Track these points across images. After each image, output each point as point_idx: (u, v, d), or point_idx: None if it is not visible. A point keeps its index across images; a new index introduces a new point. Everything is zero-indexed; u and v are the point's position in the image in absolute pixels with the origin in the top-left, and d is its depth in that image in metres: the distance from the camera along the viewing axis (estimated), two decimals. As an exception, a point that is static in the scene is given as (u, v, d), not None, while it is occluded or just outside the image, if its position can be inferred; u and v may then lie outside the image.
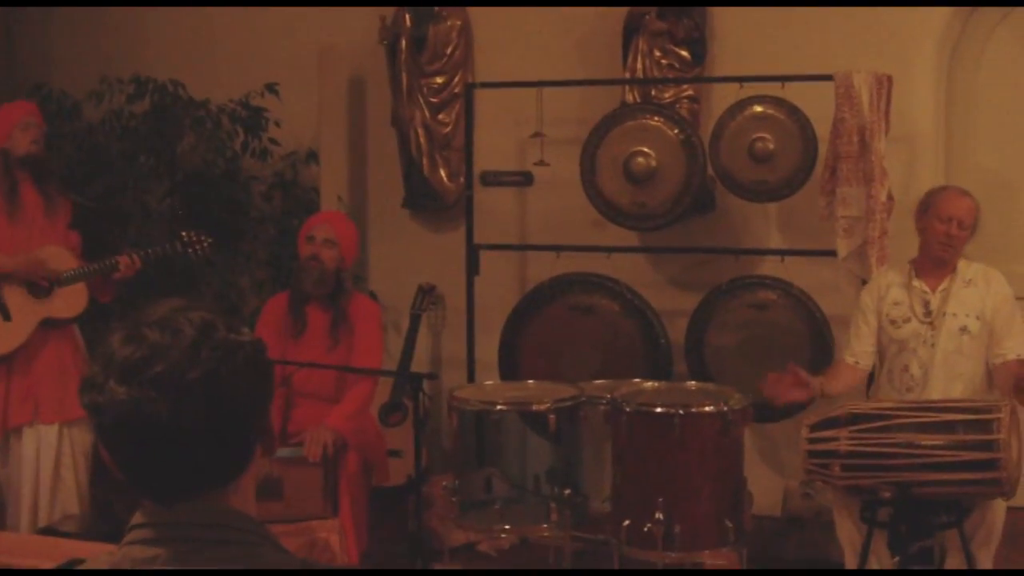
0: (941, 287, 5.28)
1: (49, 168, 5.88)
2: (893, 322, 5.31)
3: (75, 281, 5.72)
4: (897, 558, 4.89)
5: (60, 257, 5.74)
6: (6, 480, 5.74)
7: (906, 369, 5.28)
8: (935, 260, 5.31)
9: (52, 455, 5.69)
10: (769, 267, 6.47)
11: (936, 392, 5.18)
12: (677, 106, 6.59)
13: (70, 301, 5.74)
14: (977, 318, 5.21)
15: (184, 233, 5.99)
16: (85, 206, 6.04)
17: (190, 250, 5.95)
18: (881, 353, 5.40)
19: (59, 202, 5.84)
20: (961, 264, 5.32)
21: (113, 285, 5.88)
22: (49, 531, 5.69)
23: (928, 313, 5.26)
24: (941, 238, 5.25)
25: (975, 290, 5.26)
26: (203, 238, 5.98)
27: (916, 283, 5.32)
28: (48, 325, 5.70)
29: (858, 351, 5.41)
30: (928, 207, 5.32)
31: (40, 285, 5.67)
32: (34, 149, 5.72)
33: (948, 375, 5.21)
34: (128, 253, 5.79)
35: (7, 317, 5.60)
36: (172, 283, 6.98)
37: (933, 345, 5.23)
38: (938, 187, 5.55)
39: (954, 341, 5.22)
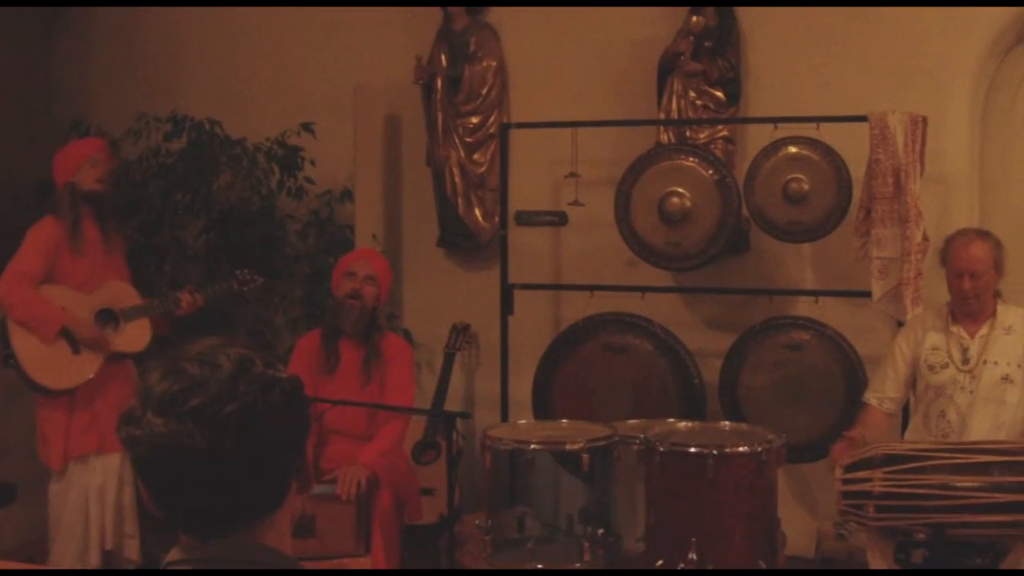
0: (980, 333, 5.24)
1: (110, 205, 5.99)
2: (931, 367, 5.27)
3: (140, 316, 5.86)
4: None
5: (124, 292, 5.90)
6: (60, 509, 5.78)
7: (943, 415, 5.23)
8: (964, 312, 5.29)
9: (116, 482, 5.78)
10: (803, 308, 6.46)
11: (977, 439, 5.11)
12: (712, 146, 6.59)
13: (135, 336, 5.85)
14: (1019, 366, 5.17)
15: (238, 272, 6.19)
16: (136, 241, 6.18)
17: (245, 288, 6.15)
18: (918, 397, 5.37)
19: (115, 238, 5.97)
20: (1000, 309, 5.28)
21: (171, 319, 6.01)
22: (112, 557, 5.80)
23: (966, 360, 5.22)
24: (958, 294, 5.24)
25: (1016, 337, 5.22)
26: (256, 277, 6.19)
27: (954, 328, 5.28)
28: (114, 359, 5.81)
29: (881, 394, 5.39)
30: (945, 259, 5.30)
31: (108, 320, 5.79)
32: (99, 187, 5.86)
33: (992, 424, 5.15)
34: (190, 291, 5.96)
35: (76, 351, 5.69)
36: (207, 321, 7.00)
37: (971, 392, 5.18)
38: (953, 234, 5.43)
39: (995, 390, 5.16)
